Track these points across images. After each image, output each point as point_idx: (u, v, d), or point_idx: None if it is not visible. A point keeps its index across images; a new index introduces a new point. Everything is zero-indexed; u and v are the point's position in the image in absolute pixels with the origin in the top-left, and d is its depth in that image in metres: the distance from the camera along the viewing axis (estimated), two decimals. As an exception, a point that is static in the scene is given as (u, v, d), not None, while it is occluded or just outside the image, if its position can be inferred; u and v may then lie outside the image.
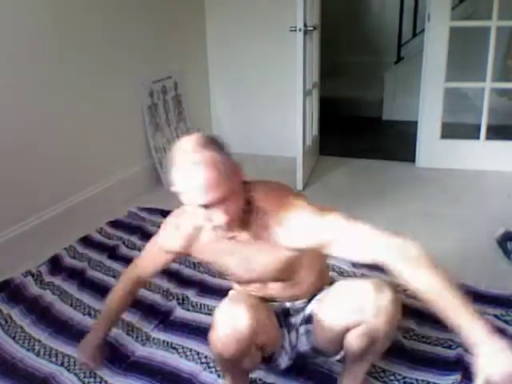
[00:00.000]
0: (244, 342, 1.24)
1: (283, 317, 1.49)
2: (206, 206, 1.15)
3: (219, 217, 1.16)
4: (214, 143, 1.16)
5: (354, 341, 1.30)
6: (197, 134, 1.18)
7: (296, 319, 1.50)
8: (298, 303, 1.49)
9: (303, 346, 1.47)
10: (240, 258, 1.33)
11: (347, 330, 1.30)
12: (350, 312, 1.27)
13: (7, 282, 2.13)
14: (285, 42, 3.34)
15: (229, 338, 1.24)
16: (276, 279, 1.41)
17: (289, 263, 1.32)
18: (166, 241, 1.47)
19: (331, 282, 1.50)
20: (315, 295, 1.48)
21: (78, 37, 2.67)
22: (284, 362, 1.50)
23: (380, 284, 1.26)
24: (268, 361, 1.47)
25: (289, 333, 1.49)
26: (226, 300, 1.34)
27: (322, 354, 1.49)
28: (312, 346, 1.45)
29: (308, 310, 1.47)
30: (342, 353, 1.40)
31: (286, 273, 1.38)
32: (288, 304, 1.49)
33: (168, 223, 1.47)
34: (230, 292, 1.52)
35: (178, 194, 1.18)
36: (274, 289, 1.44)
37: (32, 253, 2.34)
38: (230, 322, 1.24)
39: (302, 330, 1.47)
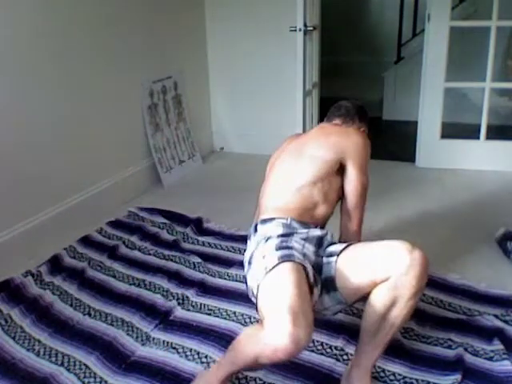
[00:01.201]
0: (298, 351, 1.18)
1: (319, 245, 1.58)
2: None
3: None
4: None
5: (378, 297, 1.34)
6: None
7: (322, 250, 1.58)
8: (314, 231, 1.61)
9: (328, 305, 1.50)
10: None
11: (374, 284, 1.35)
12: (383, 263, 1.34)
13: (7, 282, 2.13)
14: (285, 42, 3.34)
15: (285, 352, 1.15)
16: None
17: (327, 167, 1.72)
18: None
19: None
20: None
21: (77, 37, 2.67)
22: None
23: (412, 243, 1.35)
24: None
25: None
26: (281, 299, 1.25)
27: (334, 290, 1.48)
28: (328, 278, 1.48)
29: (331, 247, 1.56)
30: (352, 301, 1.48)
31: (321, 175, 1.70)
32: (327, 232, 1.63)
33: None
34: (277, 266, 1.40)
35: None
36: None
37: (32, 253, 2.34)
38: (293, 340, 1.14)
39: (326, 298, 1.50)
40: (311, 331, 1.21)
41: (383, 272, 1.34)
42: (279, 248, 1.47)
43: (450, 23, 3.28)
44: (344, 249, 1.50)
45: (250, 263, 1.56)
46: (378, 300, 1.35)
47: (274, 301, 1.28)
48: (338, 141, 1.76)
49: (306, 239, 1.57)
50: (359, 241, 1.74)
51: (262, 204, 1.77)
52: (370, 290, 1.38)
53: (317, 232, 1.62)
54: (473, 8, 4.22)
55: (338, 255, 1.49)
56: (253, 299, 1.48)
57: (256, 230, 1.67)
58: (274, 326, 1.18)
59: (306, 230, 1.61)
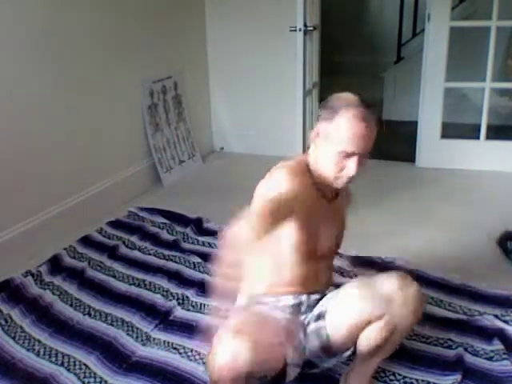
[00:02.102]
0: (240, 375, 1.18)
1: (295, 313, 1.46)
2: (349, 155, 1.31)
3: (353, 167, 1.31)
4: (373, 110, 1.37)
5: (373, 334, 1.31)
6: (359, 97, 1.37)
7: (306, 317, 1.46)
8: (314, 297, 1.47)
9: (313, 344, 1.42)
10: (329, 223, 1.44)
11: (369, 322, 1.30)
12: (375, 304, 1.28)
13: (7, 282, 2.13)
14: (285, 42, 3.34)
15: (225, 369, 1.17)
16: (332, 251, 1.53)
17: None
18: (287, 186, 1.33)
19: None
20: (325, 294, 1.48)
21: (77, 37, 2.67)
22: (293, 372, 1.43)
23: (404, 275, 1.30)
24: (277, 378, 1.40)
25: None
26: (229, 325, 1.26)
27: (331, 353, 1.43)
28: (322, 344, 1.40)
29: (319, 306, 1.45)
30: (352, 349, 1.39)
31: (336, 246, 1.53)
32: (303, 297, 1.46)
33: (281, 172, 1.36)
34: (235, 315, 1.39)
35: (323, 134, 1.35)
36: (322, 269, 1.48)
37: (32, 253, 2.34)
38: (229, 354, 1.17)
39: (312, 327, 1.43)
40: (252, 346, 1.17)
41: (378, 312, 1.29)
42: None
43: (449, 23, 3.28)
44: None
45: None
46: (375, 335, 1.31)
47: (221, 332, 1.26)
48: None
49: (275, 307, 1.45)
50: None
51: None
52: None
53: (288, 301, 1.47)
54: (473, 8, 4.22)
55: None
56: None
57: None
58: (218, 349, 1.20)
59: (273, 302, 1.46)
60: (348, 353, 1.43)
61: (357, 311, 1.32)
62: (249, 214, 1.37)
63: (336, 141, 1.32)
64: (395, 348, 1.41)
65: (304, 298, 1.47)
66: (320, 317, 1.41)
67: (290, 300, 1.46)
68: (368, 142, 1.31)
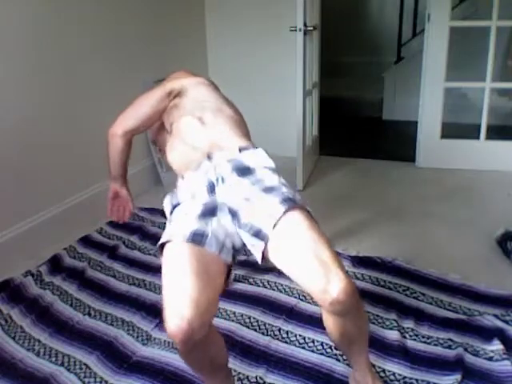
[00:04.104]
0: (194, 335, 1.14)
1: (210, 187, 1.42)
2: None
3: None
4: None
5: (326, 321, 1.30)
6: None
7: (225, 192, 1.40)
8: (219, 157, 1.47)
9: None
10: None
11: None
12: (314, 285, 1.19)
13: (7, 282, 2.13)
14: (285, 42, 3.34)
15: (174, 332, 1.13)
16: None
17: None
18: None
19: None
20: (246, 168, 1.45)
21: (77, 37, 2.67)
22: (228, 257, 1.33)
23: (332, 269, 1.17)
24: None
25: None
26: (169, 276, 1.23)
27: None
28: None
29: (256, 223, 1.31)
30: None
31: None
32: (206, 164, 1.45)
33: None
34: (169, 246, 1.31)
35: None
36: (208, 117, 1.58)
37: (32, 253, 2.34)
38: (175, 319, 1.14)
39: (248, 242, 1.32)
40: (201, 313, 1.14)
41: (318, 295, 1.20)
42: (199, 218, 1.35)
43: (449, 23, 3.28)
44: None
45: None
46: (329, 326, 1.30)
47: (166, 281, 1.23)
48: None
49: (193, 196, 1.44)
50: None
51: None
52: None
53: (201, 185, 1.45)
54: (473, 8, 4.22)
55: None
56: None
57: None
58: (165, 310, 1.17)
59: (189, 194, 1.46)
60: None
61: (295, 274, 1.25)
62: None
63: None
64: (360, 337, 1.37)
65: (206, 163, 1.47)
66: (257, 235, 1.29)
67: (203, 182, 1.43)
68: None
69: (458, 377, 1.55)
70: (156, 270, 2.25)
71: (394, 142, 4.25)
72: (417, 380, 1.57)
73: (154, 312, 1.95)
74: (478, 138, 3.46)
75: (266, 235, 1.27)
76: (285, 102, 3.59)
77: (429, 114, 3.48)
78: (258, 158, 1.54)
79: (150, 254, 2.41)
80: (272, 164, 1.54)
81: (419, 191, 3.16)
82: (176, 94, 1.74)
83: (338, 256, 1.25)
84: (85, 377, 1.63)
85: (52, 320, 1.92)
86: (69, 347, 1.77)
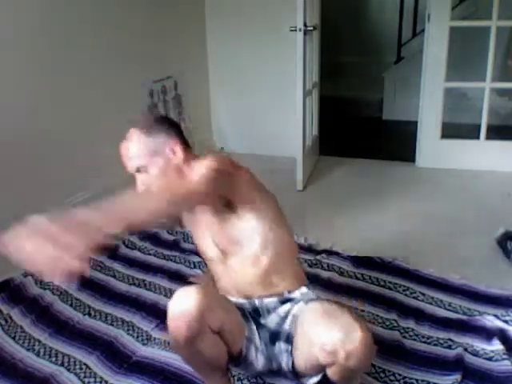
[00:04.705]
0: (193, 320, 1.23)
1: (252, 314, 1.47)
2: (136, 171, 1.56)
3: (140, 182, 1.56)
4: (157, 124, 1.56)
5: (331, 375, 1.29)
6: (146, 115, 1.42)
7: (267, 320, 1.47)
8: (268, 301, 1.47)
9: (284, 363, 1.43)
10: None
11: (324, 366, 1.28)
12: (324, 353, 1.22)
13: (7, 282, 2.13)
14: (285, 42, 3.34)
15: (177, 318, 1.25)
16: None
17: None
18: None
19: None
20: (288, 299, 1.47)
21: (78, 37, 2.67)
22: (259, 360, 1.44)
23: (350, 324, 1.20)
24: (239, 357, 1.42)
25: (258, 329, 1.46)
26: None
27: (300, 376, 1.43)
28: (290, 367, 1.41)
29: (287, 325, 1.43)
30: (318, 377, 1.37)
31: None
32: (257, 302, 1.47)
33: None
34: None
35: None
36: (235, 267, 1.45)
37: (32, 253, 2.33)
38: (178, 302, 1.26)
39: (282, 347, 1.42)
40: (201, 295, 1.25)
41: (327, 358, 1.23)
42: None
43: (449, 23, 3.28)
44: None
45: None
46: (334, 378, 1.29)
47: None
48: None
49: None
50: None
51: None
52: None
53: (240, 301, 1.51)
54: (473, 8, 4.22)
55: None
56: None
57: None
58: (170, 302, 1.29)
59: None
60: (313, 380, 1.39)
61: (308, 356, 1.31)
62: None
63: None
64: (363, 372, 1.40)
65: (257, 302, 1.48)
66: (288, 339, 1.41)
67: (245, 304, 1.49)
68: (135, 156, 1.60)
69: (458, 377, 1.55)
70: (156, 270, 2.25)
71: (394, 142, 4.24)
72: (417, 380, 1.57)
73: (154, 312, 1.95)
74: (477, 138, 3.46)
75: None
76: (285, 102, 3.59)
77: (429, 114, 3.48)
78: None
79: (149, 254, 2.40)
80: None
81: (419, 191, 3.15)
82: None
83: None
84: (85, 377, 1.63)
85: (52, 320, 1.92)
86: (69, 347, 1.77)
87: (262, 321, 1.48)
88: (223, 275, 1.51)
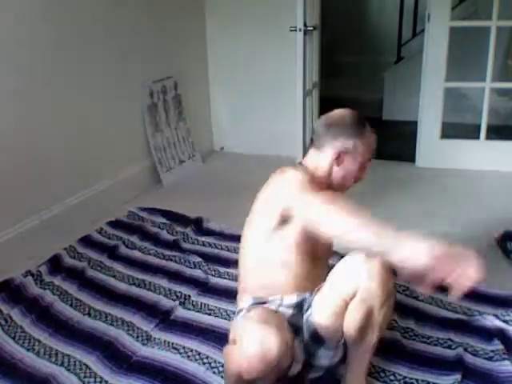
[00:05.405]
0: (269, 368, 1.19)
1: (297, 313, 1.47)
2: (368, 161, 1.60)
3: (367, 170, 1.63)
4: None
5: (351, 314, 1.32)
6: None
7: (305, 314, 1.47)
8: (288, 299, 1.48)
9: (304, 337, 1.43)
10: None
11: (345, 304, 1.32)
12: (345, 281, 1.32)
13: (7, 282, 2.13)
14: (285, 42, 3.34)
15: (258, 358, 1.18)
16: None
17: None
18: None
19: None
20: None
21: (78, 36, 2.67)
22: (295, 369, 1.43)
23: (368, 254, 1.30)
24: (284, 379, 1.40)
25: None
26: (251, 318, 1.31)
27: (320, 341, 1.42)
28: (310, 332, 1.41)
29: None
30: (342, 340, 1.40)
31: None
32: (306, 295, 1.48)
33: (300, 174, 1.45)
34: (250, 310, 1.43)
35: (350, 150, 1.53)
36: (321, 269, 1.52)
37: (32, 253, 2.34)
38: (261, 342, 1.18)
39: (303, 319, 1.44)
40: (283, 336, 1.21)
41: (348, 289, 1.32)
42: (251, 305, 1.47)
43: (449, 23, 3.28)
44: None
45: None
46: (353, 315, 1.33)
47: (244, 324, 1.31)
48: (269, 195, 1.49)
49: (280, 305, 1.47)
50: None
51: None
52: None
53: (292, 300, 1.48)
54: (473, 8, 4.22)
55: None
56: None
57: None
58: (245, 339, 1.22)
59: (278, 300, 1.48)
60: (338, 352, 1.43)
61: (332, 292, 1.36)
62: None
63: (365, 152, 1.55)
64: (380, 333, 1.40)
65: (307, 295, 1.48)
66: (308, 307, 1.44)
67: (294, 299, 1.48)
68: None
69: (458, 377, 1.55)
70: (156, 270, 2.25)
71: (394, 142, 4.24)
72: (417, 380, 1.58)
73: (153, 312, 1.95)
74: (478, 138, 3.46)
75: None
76: (285, 102, 3.59)
77: (429, 114, 3.48)
78: None
79: (149, 254, 2.40)
80: None
81: (419, 191, 3.15)
82: None
83: None
84: (85, 377, 1.63)
85: (52, 320, 1.92)
86: (69, 347, 1.76)
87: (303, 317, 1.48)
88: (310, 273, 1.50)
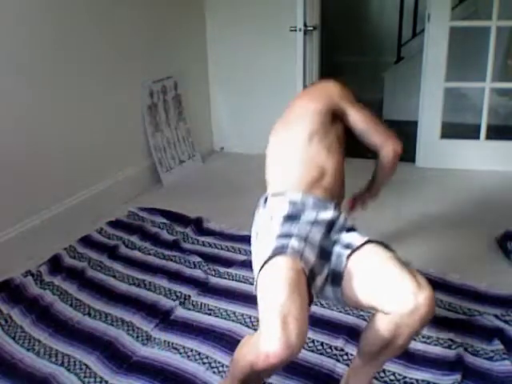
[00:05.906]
0: (290, 360, 1.14)
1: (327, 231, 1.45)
2: None
3: None
4: None
5: (379, 329, 1.27)
6: None
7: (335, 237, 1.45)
8: (324, 213, 1.48)
9: (328, 296, 1.42)
10: None
11: (374, 309, 1.29)
12: (386, 300, 1.24)
13: (7, 282, 2.13)
14: (285, 42, 3.34)
15: (278, 359, 1.11)
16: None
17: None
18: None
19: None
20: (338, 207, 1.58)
21: (78, 36, 2.67)
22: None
23: (420, 279, 1.25)
24: None
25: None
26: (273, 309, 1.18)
27: (338, 285, 1.40)
28: (337, 271, 1.38)
29: (346, 237, 1.43)
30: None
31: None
32: (330, 205, 1.51)
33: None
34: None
35: None
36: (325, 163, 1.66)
37: (32, 253, 2.34)
38: (284, 342, 1.11)
39: (328, 289, 1.40)
40: (304, 335, 1.15)
41: (387, 306, 1.25)
42: (279, 236, 1.38)
43: (449, 23, 3.29)
44: (360, 247, 1.38)
45: (255, 239, 1.52)
46: (379, 332, 1.28)
47: (265, 303, 1.22)
48: (320, 92, 1.84)
49: (313, 223, 1.43)
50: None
51: (268, 177, 1.73)
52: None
53: (328, 214, 1.47)
54: (473, 8, 4.22)
55: (351, 253, 1.37)
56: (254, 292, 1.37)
57: (265, 201, 1.57)
58: (265, 332, 1.15)
59: (314, 213, 1.46)
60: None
61: (368, 293, 1.31)
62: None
63: None
64: (399, 351, 1.37)
65: (332, 207, 1.51)
66: (336, 281, 1.38)
67: (329, 214, 1.48)
68: None
69: (458, 377, 1.56)
70: (156, 270, 2.25)
71: (394, 142, 4.24)
72: (417, 380, 1.58)
73: (154, 312, 1.95)
74: (477, 138, 3.46)
75: (354, 246, 1.38)
76: (285, 102, 3.58)
77: (429, 114, 3.48)
78: None
79: (149, 254, 2.40)
80: None
81: (419, 191, 3.16)
82: None
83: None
84: (85, 377, 1.63)
85: (52, 320, 1.92)
86: (69, 347, 1.77)
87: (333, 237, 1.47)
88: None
